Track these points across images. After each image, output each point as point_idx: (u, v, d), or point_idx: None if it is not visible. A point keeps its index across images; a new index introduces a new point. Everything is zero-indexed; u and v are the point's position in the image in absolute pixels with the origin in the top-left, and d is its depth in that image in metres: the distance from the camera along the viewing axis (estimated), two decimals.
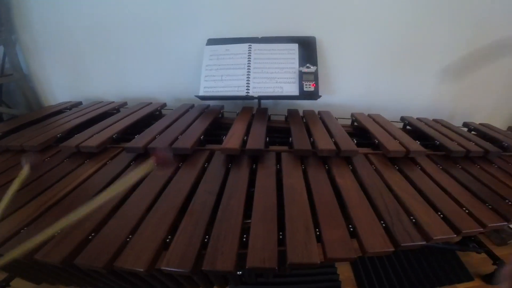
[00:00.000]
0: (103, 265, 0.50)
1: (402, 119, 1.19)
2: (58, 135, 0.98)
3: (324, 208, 0.64)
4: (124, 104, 1.37)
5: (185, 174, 0.78)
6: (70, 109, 1.35)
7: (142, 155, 0.86)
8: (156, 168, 0.55)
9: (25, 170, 0.62)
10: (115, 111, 1.31)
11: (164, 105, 1.31)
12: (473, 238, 1.21)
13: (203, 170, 0.80)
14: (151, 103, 1.33)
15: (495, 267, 1.15)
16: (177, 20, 1.30)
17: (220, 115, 1.16)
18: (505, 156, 0.96)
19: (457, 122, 1.25)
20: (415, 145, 0.90)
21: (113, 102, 1.39)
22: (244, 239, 0.56)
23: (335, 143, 0.86)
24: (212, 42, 1.26)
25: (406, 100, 1.40)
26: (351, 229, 0.59)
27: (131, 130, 1.04)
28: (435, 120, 1.19)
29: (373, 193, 0.70)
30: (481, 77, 1.37)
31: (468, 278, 1.19)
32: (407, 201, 0.67)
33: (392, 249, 0.54)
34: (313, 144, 0.87)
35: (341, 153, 0.82)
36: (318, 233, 0.57)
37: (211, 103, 1.28)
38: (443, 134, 1.02)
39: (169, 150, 0.75)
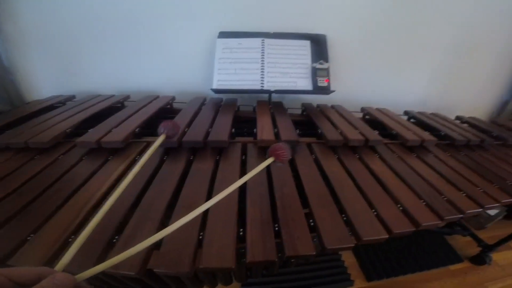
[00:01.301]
0: (189, 268, 0.49)
1: (406, 112, 1.30)
2: (67, 130, 0.90)
3: (371, 191, 0.71)
4: (127, 98, 1.31)
5: (227, 167, 0.78)
6: (64, 103, 1.26)
7: (175, 149, 0.85)
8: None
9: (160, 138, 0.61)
10: (119, 105, 1.26)
11: (174, 98, 1.29)
12: (457, 223, 1.37)
13: (243, 163, 0.81)
14: (158, 96, 1.30)
15: (480, 249, 1.30)
16: (184, 11, 1.27)
17: (237, 108, 1.18)
18: (496, 145, 1.10)
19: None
20: (427, 135, 1.00)
21: (114, 95, 1.32)
22: (312, 224, 0.60)
23: (362, 134, 0.92)
24: (224, 35, 1.26)
25: (400, 96, 1.51)
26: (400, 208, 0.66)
27: (148, 124, 1.00)
28: (433, 114, 1.32)
29: (406, 177, 0.78)
30: (462, 75, 1.53)
31: (458, 259, 1.34)
32: (435, 183, 0.77)
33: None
34: (341, 133, 0.92)
35: (369, 142, 0.89)
36: (375, 212, 0.63)
37: (222, 96, 1.28)
38: (444, 126, 1.14)
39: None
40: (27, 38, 1.31)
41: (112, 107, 1.20)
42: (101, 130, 0.88)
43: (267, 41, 1.23)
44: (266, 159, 0.59)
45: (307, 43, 1.24)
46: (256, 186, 0.70)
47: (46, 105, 1.18)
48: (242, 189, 0.68)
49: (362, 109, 1.25)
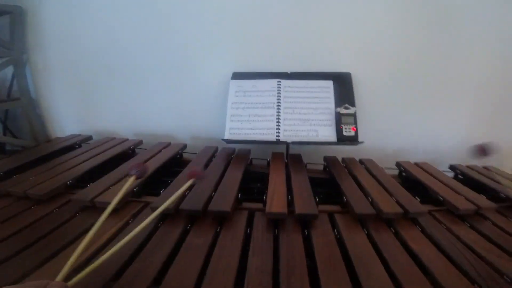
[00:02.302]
0: None
1: (453, 168, 1.08)
2: (68, 183, 0.87)
3: (406, 278, 0.53)
4: (139, 143, 1.26)
5: (227, 242, 0.65)
6: (79, 145, 1.25)
7: (171, 215, 0.74)
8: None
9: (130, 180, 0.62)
10: (130, 151, 1.19)
11: (185, 146, 1.20)
12: None
13: (248, 237, 0.67)
14: (170, 143, 1.22)
15: None
16: (199, 51, 1.23)
17: (249, 162, 1.05)
18: None
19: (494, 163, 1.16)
20: (483, 201, 0.79)
21: (127, 139, 1.28)
22: None
23: (398, 203, 0.74)
24: (237, 76, 1.17)
25: (436, 141, 1.30)
26: None
27: (152, 178, 0.92)
28: (485, 168, 1.09)
29: (456, 257, 0.60)
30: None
31: None
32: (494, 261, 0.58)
33: None
34: (372, 203, 0.75)
35: (409, 214, 0.71)
36: None
37: (236, 145, 1.17)
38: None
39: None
40: (52, 71, 1.35)
41: (123, 154, 1.16)
42: (99, 187, 0.83)
43: (284, 82, 1.11)
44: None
45: (329, 84, 1.10)
46: (257, 273, 0.55)
47: (63, 146, 1.19)
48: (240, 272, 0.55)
49: (398, 165, 1.06)
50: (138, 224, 0.66)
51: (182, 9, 1.19)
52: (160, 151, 1.14)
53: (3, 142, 1.35)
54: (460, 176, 1.05)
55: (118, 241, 0.58)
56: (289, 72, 1.16)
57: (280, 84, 1.12)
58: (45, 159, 1.05)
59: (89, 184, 0.86)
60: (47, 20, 1.28)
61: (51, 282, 0.39)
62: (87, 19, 1.25)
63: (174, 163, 1.08)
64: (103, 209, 0.65)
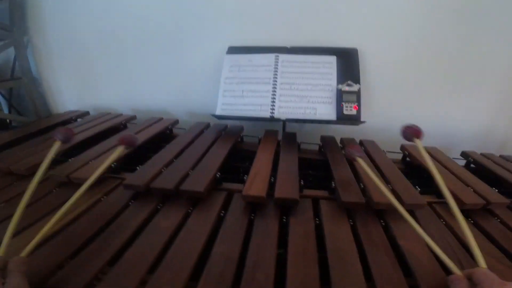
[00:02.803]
0: None
1: (464, 155, 0.96)
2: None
3: (384, 282, 0.45)
4: (132, 118, 1.22)
5: (195, 225, 0.59)
6: (75, 120, 1.24)
7: (143, 194, 0.69)
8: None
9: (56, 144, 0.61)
10: (122, 126, 1.15)
11: (176, 122, 1.15)
12: None
13: (220, 220, 0.62)
14: (162, 118, 1.17)
15: None
16: (195, 26, 1.15)
17: (239, 139, 0.98)
18: None
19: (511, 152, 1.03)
20: (494, 195, 0.69)
21: (121, 114, 1.25)
22: None
23: (394, 192, 0.65)
24: (233, 50, 1.08)
25: (453, 125, 1.18)
26: None
27: (136, 154, 0.87)
28: (503, 157, 0.96)
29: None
30: None
31: None
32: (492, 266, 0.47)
33: None
34: (363, 191, 0.66)
35: (404, 206, 0.62)
36: None
37: (230, 121, 1.09)
38: None
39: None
40: (52, 51, 1.35)
41: (114, 128, 1.13)
42: (78, 162, 0.80)
43: (282, 57, 1.01)
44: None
45: (332, 59, 0.99)
46: (221, 261, 0.50)
47: (61, 120, 1.19)
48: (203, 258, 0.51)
49: (402, 148, 0.95)
50: (110, 201, 0.67)
51: None
52: (150, 125, 1.09)
53: (8, 119, 1.38)
54: (472, 165, 0.93)
55: (89, 217, 0.60)
56: (289, 47, 1.05)
57: (278, 59, 1.02)
58: (39, 134, 1.03)
59: (70, 159, 0.83)
60: (45, 3, 1.26)
61: (10, 259, 0.41)
62: (84, 1, 1.21)
63: (163, 139, 1.03)
64: (79, 185, 0.63)
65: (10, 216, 0.56)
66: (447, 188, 0.66)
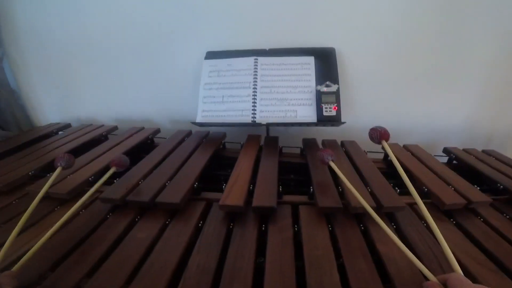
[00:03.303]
0: None
1: (446, 151, 0.96)
2: (30, 173, 0.83)
3: None
4: (114, 129, 1.20)
5: (172, 236, 0.58)
6: (57, 132, 1.22)
7: (121, 206, 0.67)
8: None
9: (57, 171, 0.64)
10: (102, 138, 1.13)
11: (158, 131, 1.13)
12: None
13: (197, 231, 0.60)
14: (143, 128, 1.15)
15: None
16: (173, 32, 1.14)
17: (221, 146, 0.97)
18: None
19: (496, 146, 1.04)
20: (475, 193, 0.68)
21: (103, 125, 1.23)
22: None
23: (373, 195, 0.65)
24: (211, 55, 1.07)
25: (437, 122, 1.17)
26: None
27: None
28: (485, 152, 0.96)
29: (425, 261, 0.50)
30: None
31: None
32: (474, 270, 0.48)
33: None
34: (342, 194, 0.66)
35: (383, 209, 0.61)
36: None
37: (212, 128, 1.08)
38: (502, 173, 0.80)
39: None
40: (30, 64, 1.33)
41: (95, 140, 1.11)
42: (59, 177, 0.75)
43: (261, 59, 1.01)
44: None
45: (310, 60, 0.99)
46: (197, 272, 0.49)
47: (42, 134, 1.17)
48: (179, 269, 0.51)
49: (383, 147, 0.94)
50: (89, 215, 0.66)
51: None
52: (131, 135, 1.08)
53: None
54: (454, 162, 0.93)
55: (67, 230, 0.60)
56: (267, 49, 1.04)
57: (257, 62, 1.01)
58: (21, 149, 1.02)
59: (48, 174, 0.81)
60: (19, 15, 1.23)
61: (1, 274, 0.42)
62: (60, 11, 1.19)
63: (144, 149, 1.01)
64: (59, 199, 0.71)
65: None
66: (429, 188, 0.66)
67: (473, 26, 1.00)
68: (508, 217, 0.66)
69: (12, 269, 0.45)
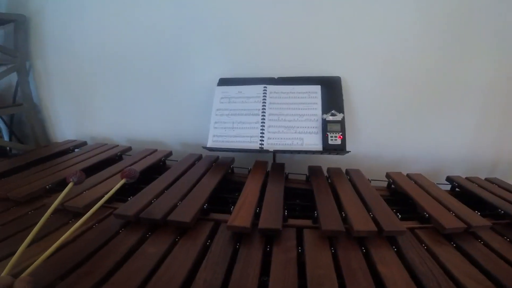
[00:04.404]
0: None
1: (449, 179, 0.98)
2: (47, 187, 0.88)
3: None
4: (128, 150, 1.26)
5: (181, 253, 0.61)
6: (73, 150, 1.28)
7: (133, 223, 0.71)
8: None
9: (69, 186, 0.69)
10: (117, 158, 1.19)
11: (170, 154, 1.18)
12: None
13: (205, 250, 0.63)
14: (156, 150, 1.21)
15: None
16: (187, 57, 1.22)
17: (230, 171, 1.01)
18: None
19: (501, 175, 1.05)
20: (475, 218, 0.70)
21: (117, 146, 1.28)
22: None
23: (374, 220, 0.67)
24: (223, 82, 1.14)
25: (439, 150, 1.19)
26: None
27: (129, 185, 0.89)
28: (488, 180, 0.98)
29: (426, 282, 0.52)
30: None
31: None
32: None
33: None
34: (345, 219, 0.68)
35: (383, 233, 0.63)
36: None
37: (221, 153, 1.13)
38: (504, 199, 0.82)
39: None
40: (52, 78, 1.40)
41: (110, 159, 1.16)
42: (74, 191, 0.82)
43: (270, 88, 1.07)
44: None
45: (317, 89, 1.05)
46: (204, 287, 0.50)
47: (59, 150, 1.23)
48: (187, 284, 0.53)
49: (387, 176, 0.98)
50: (102, 228, 0.70)
51: (171, 19, 1.19)
52: (144, 157, 1.13)
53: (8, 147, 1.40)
54: (457, 189, 0.95)
55: (80, 242, 0.63)
56: (276, 77, 1.11)
57: (266, 90, 1.08)
58: (37, 163, 1.07)
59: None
60: (48, 28, 1.33)
61: (17, 279, 0.44)
62: (83, 29, 1.28)
63: (156, 170, 1.06)
64: (75, 213, 0.75)
65: (5, 239, 0.64)
66: (429, 213, 0.68)
67: (474, 55, 1.04)
68: (508, 239, 0.68)
69: (22, 275, 0.46)
